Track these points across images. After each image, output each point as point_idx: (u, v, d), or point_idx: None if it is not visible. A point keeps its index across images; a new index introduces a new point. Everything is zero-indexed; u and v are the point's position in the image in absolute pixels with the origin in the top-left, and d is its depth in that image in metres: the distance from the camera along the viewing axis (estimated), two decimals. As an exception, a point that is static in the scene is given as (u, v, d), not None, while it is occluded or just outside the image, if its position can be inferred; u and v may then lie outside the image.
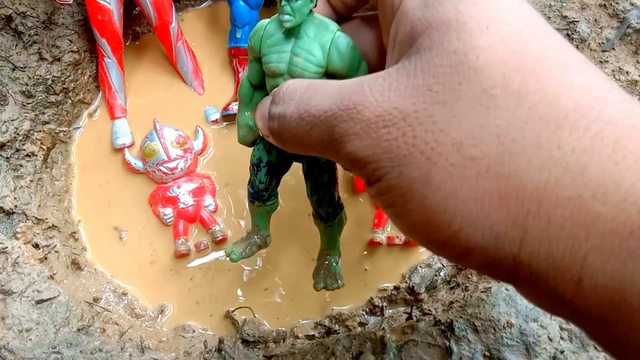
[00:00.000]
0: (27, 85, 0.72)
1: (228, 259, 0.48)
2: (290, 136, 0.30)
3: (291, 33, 0.34)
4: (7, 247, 0.61)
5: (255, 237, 0.48)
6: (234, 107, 0.75)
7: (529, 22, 0.25)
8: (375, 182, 0.26)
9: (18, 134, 0.70)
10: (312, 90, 0.29)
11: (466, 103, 0.23)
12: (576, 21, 0.74)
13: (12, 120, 0.70)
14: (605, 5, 0.74)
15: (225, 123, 0.77)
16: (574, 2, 0.75)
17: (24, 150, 0.71)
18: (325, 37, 0.34)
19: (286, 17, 0.33)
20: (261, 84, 0.38)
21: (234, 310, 0.67)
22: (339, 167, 0.47)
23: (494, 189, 0.23)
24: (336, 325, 0.66)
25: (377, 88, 0.26)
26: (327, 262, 0.48)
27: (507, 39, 0.24)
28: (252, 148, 0.42)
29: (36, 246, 0.65)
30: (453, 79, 0.24)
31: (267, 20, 0.36)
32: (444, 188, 0.24)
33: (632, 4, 0.72)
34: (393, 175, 0.25)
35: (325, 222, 0.45)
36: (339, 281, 0.48)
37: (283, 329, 0.66)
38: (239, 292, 0.69)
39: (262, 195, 0.44)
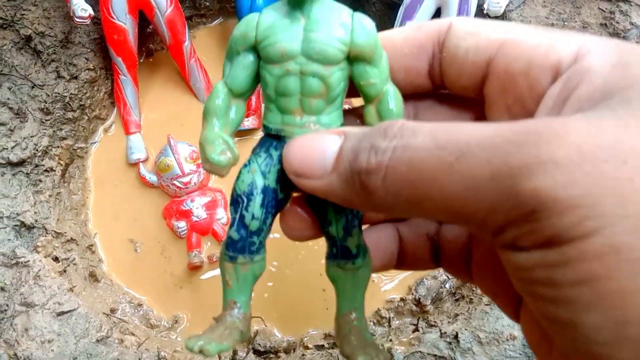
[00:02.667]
0: (46, 103, 0.74)
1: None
2: (408, 172, 0.21)
3: (300, 11, 0.28)
4: (28, 261, 0.64)
5: (234, 317, 0.32)
6: (246, 123, 0.78)
7: None
8: (577, 238, 0.18)
9: (37, 150, 0.73)
10: (451, 124, 0.22)
11: None
12: (577, 40, 0.76)
13: (31, 137, 0.73)
14: (606, 24, 0.76)
15: (236, 138, 0.79)
16: (576, 22, 0.77)
17: (43, 165, 0.73)
18: (344, 16, 0.29)
19: None
20: (245, 90, 0.31)
21: (245, 321, 0.70)
22: None
23: None
24: (345, 336, 0.68)
25: (577, 119, 0.20)
26: (355, 330, 0.33)
27: None
28: (239, 173, 0.31)
29: (56, 259, 0.68)
30: None
31: (256, 13, 0.30)
32: None
33: (632, 24, 0.74)
34: (623, 228, 0.18)
35: (354, 260, 0.32)
36: (381, 353, 0.32)
37: (293, 339, 0.69)
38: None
39: (252, 242, 0.31)
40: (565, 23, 0.77)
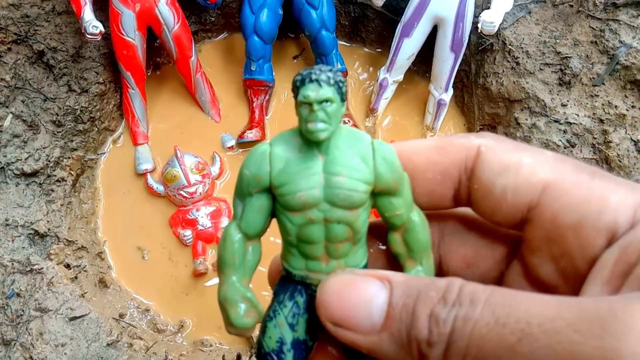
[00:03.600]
0: (58, 115, 0.78)
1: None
2: (469, 348, 0.21)
3: (317, 149, 0.26)
4: (42, 268, 0.67)
5: None
6: (249, 135, 0.81)
7: None
8: None
9: (49, 161, 0.76)
10: (507, 294, 0.22)
11: None
12: (569, 57, 0.79)
13: (43, 148, 0.76)
14: (596, 42, 0.79)
15: (240, 150, 0.83)
16: (567, 39, 0.80)
17: (55, 176, 0.76)
18: (363, 148, 0.26)
19: (320, 125, 0.25)
20: (261, 231, 0.28)
21: (248, 326, 0.73)
22: None
23: None
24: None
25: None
26: None
27: None
28: (265, 327, 0.28)
29: (67, 266, 0.71)
30: None
31: (264, 144, 0.27)
32: None
33: (621, 42, 0.77)
34: None
35: None
36: None
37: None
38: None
39: None
40: (557, 40, 0.80)
